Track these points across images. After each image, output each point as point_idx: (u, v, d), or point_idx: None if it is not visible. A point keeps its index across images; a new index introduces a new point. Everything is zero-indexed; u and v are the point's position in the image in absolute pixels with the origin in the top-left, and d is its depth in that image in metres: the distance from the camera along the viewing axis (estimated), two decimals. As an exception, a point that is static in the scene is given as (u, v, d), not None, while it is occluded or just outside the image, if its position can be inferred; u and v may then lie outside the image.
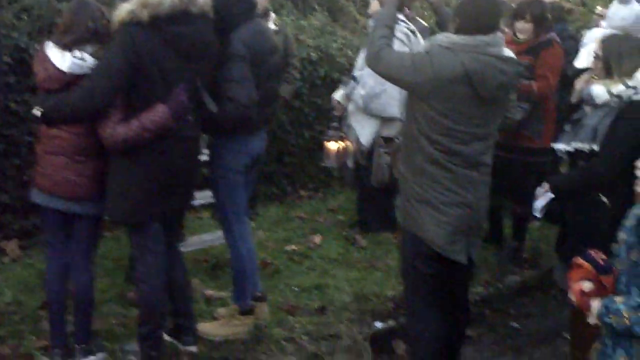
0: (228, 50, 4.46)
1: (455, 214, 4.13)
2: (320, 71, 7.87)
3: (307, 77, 7.73)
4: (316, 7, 9.23)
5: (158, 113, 4.00)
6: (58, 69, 4.04)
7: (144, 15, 3.95)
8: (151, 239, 4.33)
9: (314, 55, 7.85)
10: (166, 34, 4.02)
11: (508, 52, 4.29)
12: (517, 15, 6.04)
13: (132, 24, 3.96)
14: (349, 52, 8.10)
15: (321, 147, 6.71)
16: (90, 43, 4.10)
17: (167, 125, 4.03)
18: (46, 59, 4.08)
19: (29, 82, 5.70)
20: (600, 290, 3.21)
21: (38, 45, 5.34)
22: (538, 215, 4.71)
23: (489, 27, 4.03)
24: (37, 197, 4.34)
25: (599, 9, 9.21)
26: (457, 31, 4.05)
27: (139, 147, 4.05)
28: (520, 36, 6.01)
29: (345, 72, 7.76)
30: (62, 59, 4.05)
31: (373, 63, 4.20)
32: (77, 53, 4.05)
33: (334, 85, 7.61)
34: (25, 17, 6.27)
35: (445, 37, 4.07)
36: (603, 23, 7.50)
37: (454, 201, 4.12)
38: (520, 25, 6.00)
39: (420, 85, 4.01)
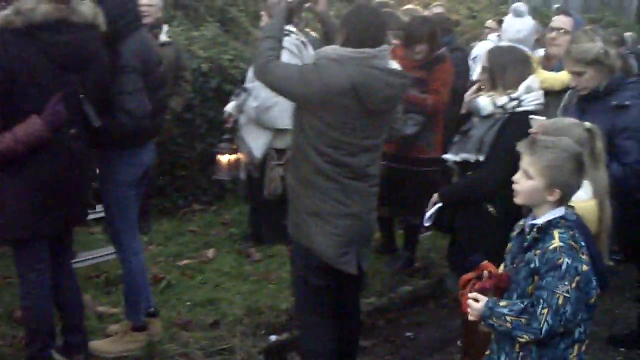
0: (118, 62, 4.37)
1: (344, 225, 4.15)
2: (211, 83, 7.80)
3: (198, 89, 7.65)
4: (208, 18, 9.15)
5: (32, 124, 3.89)
6: None
7: (18, 21, 3.85)
8: (35, 257, 4.22)
9: (205, 66, 7.77)
10: (41, 42, 3.92)
11: (394, 65, 4.33)
12: (413, 39, 6.06)
13: (7, 30, 3.86)
14: (241, 64, 8.04)
15: (213, 160, 6.65)
16: None
17: (43, 137, 3.91)
18: None
19: None
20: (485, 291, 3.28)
21: None
22: (427, 224, 4.78)
23: (376, 40, 4.07)
24: None
25: (489, 22, 9.44)
26: (344, 43, 4.07)
27: (17, 161, 3.93)
28: (418, 57, 6.06)
29: (238, 84, 7.72)
30: None
31: (261, 75, 4.19)
32: None
33: (225, 97, 7.55)
34: None
35: (332, 50, 4.08)
36: (492, 36, 7.70)
37: (342, 213, 4.14)
38: (418, 47, 6.04)
39: (307, 97, 4.01)
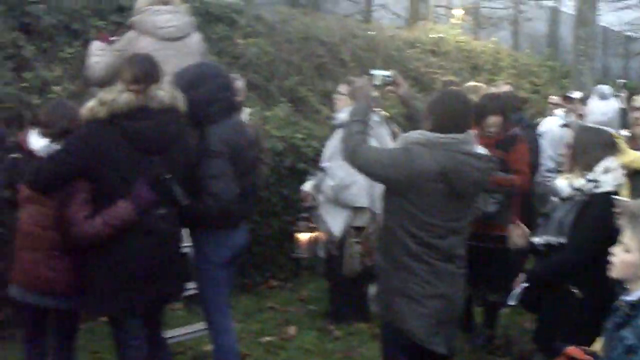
0: (206, 147, 4.56)
1: (434, 306, 4.20)
2: (286, 161, 7.96)
3: (273, 168, 7.82)
4: (279, 98, 9.37)
5: (120, 209, 4.10)
6: (29, 148, 4.39)
7: (102, 112, 4.11)
8: (129, 333, 4.37)
9: (279, 145, 7.95)
10: (124, 129, 4.15)
11: (480, 149, 4.43)
12: (487, 110, 6.15)
13: (92, 120, 4.12)
14: (313, 143, 8.21)
15: (290, 237, 6.78)
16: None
17: (132, 220, 4.11)
18: (26, 137, 4.46)
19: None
20: None
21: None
22: (512, 303, 4.81)
23: (462, 125, 4.18)
24: (14, 292, 4.41)
25: (553, 98, 9.55)
26: (432, 129, 4.18)
27: (109, 242, 4.12)
28: (492, 130, 6.12)
29: (310, 162, 7.89)
30: (36, 142, 4.41)
31: (351, 159, 4.29)
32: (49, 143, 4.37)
33: (299, 175, 7.73)
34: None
35: (420, 135, 4.19)
36: (558, 111, 7.78)
37: (432, 294, 4.19)
38: (492, 120, 6.12)
39: (398, 181, 4.11)
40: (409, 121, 4.84)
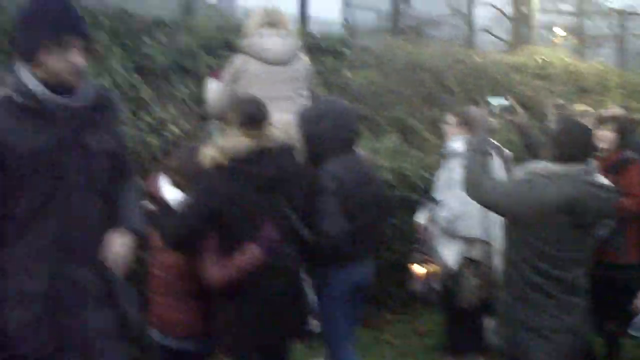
0: (317, 184, 4.59)
1: (561, 340, 4.13)
2: (396, 192, 7.93)
3: (381, 183, 7.79)
4: (388, 128, 9.38)
5: (250, 252, 4.16)
6: (163, 198, 4.41)
7: (223, 159, 4.18)
8: None
9: (389, 177, 7.93)
10: (245, 174, 4.21)
11: (602, 179, 4.34)
12: (601, 121, 6.01)
13: (213, 167, 4.20)
14: (423, 173, 8.16)
15: (402, 269, 6.73)
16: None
17: (261, 263, 4.17)
18: (156, 184, 4.51)
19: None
20: None
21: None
22: (634, 333, 4.66)
23: (584, 155, 4.11)
24: (153, 334, 4.50)
25: (666, 117, 9.25)
26: (554, 159, 4.11)
27: (239, 284, 4.19)
28: (602, 145, 5.99)
29: (422, 192, 7.84)
30: (169, 191, 4.44)
31: (473, 192, 4.27)
32: (182, 194, 4.37)
33: (411, 206, 7.68)
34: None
35: (543, 167, 4.14)
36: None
37: (559, 327, 4.13)
38: (602, 133, 5.99)
39: (522, 214, 4.07)
40: (528, 151, 4.77)
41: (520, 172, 4.43)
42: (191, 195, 4.27)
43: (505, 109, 4.81)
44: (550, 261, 4.07)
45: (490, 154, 4.52)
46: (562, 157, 4.11)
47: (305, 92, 6.20)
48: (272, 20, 6.06)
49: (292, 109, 5.72)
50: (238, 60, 6.00)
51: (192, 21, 8.88)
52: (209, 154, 4.22)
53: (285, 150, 4.41)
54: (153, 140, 6.73)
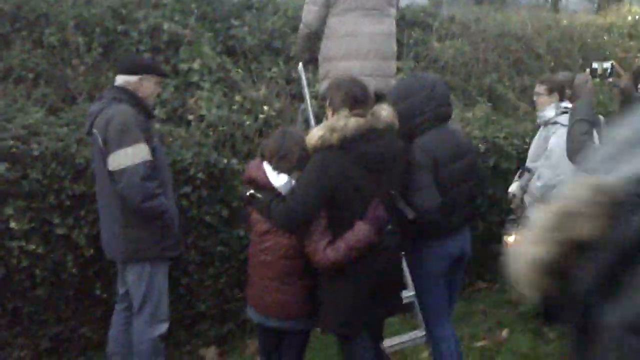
0: (409, 160, 4.65)
1: None
2: (489, 162, 7.93)
3: (476, 154, 7.79)
4: (478, 97, 9.35)
5: (361, 231, 4.19)
6: (270, 184, 4.45)
7: (334, 139, 4.20)
8: (362, 346, 4.52)
9: (481, 146, 7.93)
10: (356, 153, 4.24)
11: None
12: None
13: (324, 148, 4.22)
14: (515, 141, 8.13)
15: (496, 238, 6.74)
16: (298, 170, 4.40)
17: (372, 242, 4.22)
18: (261, 172, 4.50)
19: (219, 195, 6.15)
20: None
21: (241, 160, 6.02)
22: None
23: None
24: (252, 315, 4.66)
25: None
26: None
27: (348, 264, 4.25)
28: None
29: (513, 161, 7.81)
30: (276, 178, 4.45)
31: (577, 161, 4.25)
32: (289, 178, 4.44)
33: (503, 175, 7.68)
34: (211, 133, 6.70)
35: None
36: None
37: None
38: None
39: None
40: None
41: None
42: (304, 177, 4.29)
43: (608, 73, 4.77)
44: None
45: (593, 120, 4.48)
46: None
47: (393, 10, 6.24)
48: None
49: (385, 22, 5.78)
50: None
51: (279, 1, 8.97)
52: (318, 134, 4.26)
53: (390, 130, 4.46)
54: (246, 120, 6.87)
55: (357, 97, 4.34)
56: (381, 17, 5.70)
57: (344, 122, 4.21)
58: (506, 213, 7.00)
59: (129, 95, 4.96)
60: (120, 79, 5.03)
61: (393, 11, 6.06)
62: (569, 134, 4.40)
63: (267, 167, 4.50)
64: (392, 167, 4.41)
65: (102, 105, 4.92)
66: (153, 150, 4.90)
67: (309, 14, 6.12)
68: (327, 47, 5.88)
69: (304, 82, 5.77)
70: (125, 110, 4.83)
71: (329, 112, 4.47)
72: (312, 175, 4.23)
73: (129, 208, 4.81)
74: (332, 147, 4.19)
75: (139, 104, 4.98)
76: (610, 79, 4.78)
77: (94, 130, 4.86)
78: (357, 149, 4.23)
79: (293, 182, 4.41)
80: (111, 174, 4.78)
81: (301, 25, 6.25)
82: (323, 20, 6.02)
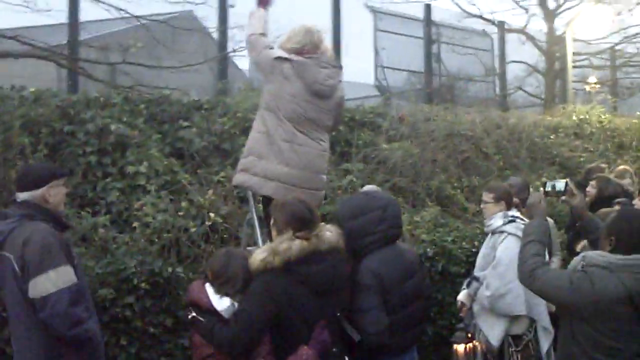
0: (356, 280, 4.60)
1: None
2: (437, 266, 7.90)
3: (425, 274, 7.76)
4: (426, 199, 9.38)
5: (303, 356, 4.12)
6: (213, 308, 4.29)
7: (276, 261, 4.16)
8: None
9: (429, 250, 7.91)
10: (299, 276, 4.20)
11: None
12: None
13: (266, 271, 4.17)
14: (464, 244, 8.13)
15: (445, 343, 6.69)
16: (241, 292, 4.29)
17: None
18: (204, 295, 4.35)
19: (164, 304, 6.05)
20: None
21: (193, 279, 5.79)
22: None
23: None
24: None
25: None
26: (613, 250, 4.10)
27: None
28: None
29: (462, 264, 7.80)
30: (219, 302, 4.30)
31: (527, 282, 4.25)
32: (231, 301, 4.30)
33: (452, 279, 7.66)
34: (156, 240, 6.59)
35: (600, 257, 4.11)
36: None
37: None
38: None
39: (579, 306, 4.04)
40: (584, 233, 4.76)
41: (576, 261, 4.38)
42: (247, 300, 4.23)
43: (560, 192, 4.82)
44: (610, 354, 4.01)
45: (546, 242, 4.49)
46: (622, 247, 4.07)
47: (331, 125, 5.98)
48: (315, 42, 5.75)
49: (323, 137, 5.69)
50: (282, 64, 5.57)
51: (229, 102, 8.98)
52: (260, 256, 4.21)
53: (336, 251, 4.42)
54: (191, 226, 6.79)
55: (303, 219, 4.31)
56: (321, 133, 5.66)
57: (287, 244, 4.18)
58: (456, 318, 6.94)
59: (41, 212, 4.53)
60: (25, 195, 4.57)
61: (331, 125, 5.96)
62: (520, 254, 4.40)
63: (209, 289, 4.39)
64: (338, 288, 4.36)
65: (12, 224, 4.45)
66: (74, 269, 4.49)
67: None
68: (259, 142, 5.61)
69: (252, 208, 5.76)
70: (44, 229, 4.43)
71: (274, 233, 4.41)
72: (256, 299, 4.15)
73: (53, 338, 4.34)
74: (275, 270, 4.13)
75: (54, 217, 4.60)
76: (564, 197, 4.82)
77: (5, 254, 4.39)
78: (301, 271, 4.17)
79: (236, 305, 4.29)
80: (31, 302, 4.31)
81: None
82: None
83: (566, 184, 4.82)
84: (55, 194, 4.60)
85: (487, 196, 6.57)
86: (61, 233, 4.63)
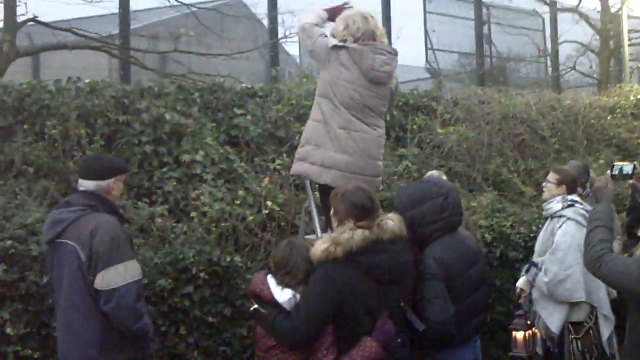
0: (420, 269, 4.55)
1: None
2: (495, 252, 7.81)
3: (484, 259, 7.68)
4: (483, 184, 9.29)
5: (367, 348, 4.09)
6: (274, 300, 4.27)
7: (338, 252, 4.12)
8: None
9: (487, 236, 7.82)
10: (362, 266, 4.16)
11: None
12: None
13: (328, 261, 4.13)
14: (522, 229, 8.02)
15: (504, 329, 6.62)
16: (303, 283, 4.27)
17: (379, 358, 4.09)
18: (266, 287, 4.33)
19: (222, 294, 6.08)
20: None
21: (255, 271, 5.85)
22: None
23: None
24: None
25: None
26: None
27: None
28: None
29: (520, 250, 7.71)
30: (280, 294, 4.27)
31: (593, 268, 4.17)
32: (293, 293, 4.27)
33: (510, 264, 7.58)
34: (214, 228, 6.60)
35: None
36: None
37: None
38: None
39: None
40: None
41: None
42: (309, 292, 4.21)
43: (627, 175, 4.73)
44: None
45: (612, 227, 4.40)
46: None
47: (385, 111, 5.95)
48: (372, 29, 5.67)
49: (379, 124, 5.65)
50: (339, 52, 5.52)
51: (282, 89, 8.94)
52: (322, 247, 4.17)
53: (400, 241, 4.38)
54: (248, 215, 6.79)
55: (364, 207, 4.27)
56: (376, 119, 5.61)
57: (349, 234, 4.13)
58: (514, 305, 6.87)
59: (104, 203, 4.61)
60: (90, 184, 4.63)
61: (385, 111, 5.89)
62: (587, 240, 4.31)
63: (271, 281, 4.36)
64: (402, 278, 4.32)
65: (76, 213, 4.51)
66: None
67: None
68: (316, 130, 5.61)
69: (311, 197, 5.76)
70: (112, 222, 4.51)
71: (334, 222, 4.37)
72: (317, 291, 4.13)
73: (110, 329, 4.41)
74: (337, 261, 4.09)
75: (116, 211, 4.70)
76: (631, 181, 4.72)
77: (68, 242, 4.45)
78: (364, 261, 4.13)
79: (297, 296, 4.27)
80: (94, 292, 4.38)
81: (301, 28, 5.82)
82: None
83: (634, 167, 4.72)
84: (118, 187, 4.70)
85: (552, 176, 6.51)
86: (123, 226, 4.68)
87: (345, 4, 5.88)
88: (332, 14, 5.79)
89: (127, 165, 5.17)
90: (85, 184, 4.63)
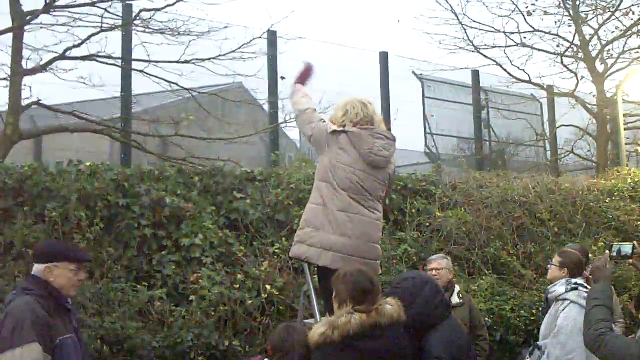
0: (426, 351, 4.50)
1: None
2: (495, 335, 7.77)
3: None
4: (482, 267, 9.27)
5: None
6: None
7: (335, 336, 4.09)
8: None
9: (488, 319, 7.79)
10: (358, 351, 4.11)
11: None
12: None
13: (325, 345, 4.10)
14: (522, 312, 8.00)
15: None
16: None
17: None
18: None
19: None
20: None
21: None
22: None
23: None
24: None
25: None
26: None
27: None
28: None
29: (520, 333, 7.67)
30: None
31: (593, 347, 4.16)
32: None
33: (510, 348, 7.53)
34: (212, 312, 6.58)
35: None
36: None
37: None
38: None
39: None
40: None
41: None
42: None
43: (626, 255, 4.74)
44: None
45: (611, 306, 4.39)
46: None
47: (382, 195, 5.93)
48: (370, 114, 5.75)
49: (377, 207, 5.66)
50: (337, 136, 5.61)
51: (281, 173, 9.01)
52: (319, 330, 4.14)
53: (397, 326, 4.35)
54: (247, 299, 6.78)
55: (364, 289, 4.25)
56: (374, 202, 5.65)
57: (346, 318, 4.11)
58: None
59: (40, 286, 4.48)
60: (34, 267, 4.57)
61: (382, 196, 5.92)
62: (586, 318, 4.30)
63: None
64: None
65: (12, 296, 4.47)
66: (60, 347, 4.39)
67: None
68: (315, 213, 5.62)
69: (309, 280, 5.71)
70: (24, 304, 4.36)
71: (335, 305, 4.36)
72: None
73: None
74: (334, 345, 4.07)
75: (52, 295, 4.50)
76: (631, 260, 4.73)
77: None
78: (360, 346, 4.11)
79: None
80: None
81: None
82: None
83: (633, 246, 4.72)
84: (58, 274, 4.54)
85: (555, 258, 6.49)
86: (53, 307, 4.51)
87: (308, 64, 5.98)
88: (303, 79, 5.91)
89: (69, 253, 4.73)
90: (33, 267, 4.61)
